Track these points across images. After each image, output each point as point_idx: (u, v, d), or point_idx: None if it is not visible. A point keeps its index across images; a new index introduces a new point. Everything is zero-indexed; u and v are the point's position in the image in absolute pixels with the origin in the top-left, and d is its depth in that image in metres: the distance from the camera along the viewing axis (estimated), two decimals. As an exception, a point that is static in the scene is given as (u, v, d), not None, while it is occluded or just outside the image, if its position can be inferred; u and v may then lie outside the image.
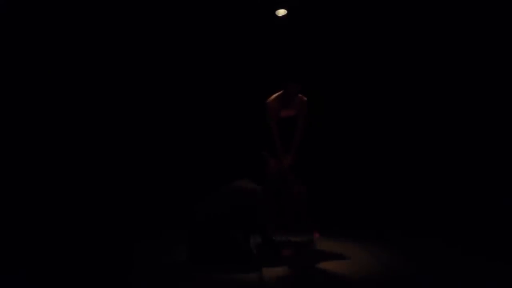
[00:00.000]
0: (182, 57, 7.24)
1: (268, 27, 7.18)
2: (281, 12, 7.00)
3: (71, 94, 6.95)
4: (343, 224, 6.65)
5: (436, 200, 6.89)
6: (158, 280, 4.34)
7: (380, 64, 7.19)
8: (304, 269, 4.70)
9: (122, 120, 7.11)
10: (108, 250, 5.38)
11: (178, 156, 7.22)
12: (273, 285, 4.25)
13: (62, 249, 5.31)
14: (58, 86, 6.91)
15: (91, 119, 7.01)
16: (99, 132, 7.01)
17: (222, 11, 7.16)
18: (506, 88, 6.75)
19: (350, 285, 4.31)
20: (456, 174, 6.92)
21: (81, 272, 4.55)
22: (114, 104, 7.08)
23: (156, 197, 7.01)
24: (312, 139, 6.37)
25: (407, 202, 6.95)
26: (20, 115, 6.73)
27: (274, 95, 5.80)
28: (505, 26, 6.70)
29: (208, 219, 4.81)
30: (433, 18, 6.98)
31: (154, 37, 7.14)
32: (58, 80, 6.91)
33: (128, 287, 4.25)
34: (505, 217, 6.27)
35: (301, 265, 4.84)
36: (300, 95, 5.81)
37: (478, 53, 6.87)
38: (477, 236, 5.89)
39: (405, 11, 7.03)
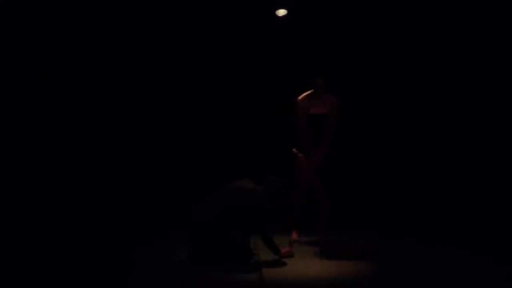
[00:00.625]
0: (182, 57, 7.24)
1: (268, 27, 7.18)
2: (281, 12, 7.00)
3: (72, 95, 6.95)
4: (343, 224, 6.65)
5: (435, 201, 6.88)
6: (158, 280, 4.34)
7: (381, 64, 7.18)
8: (304, 269, 4.70)
9: (123, 122, 7.11)
10: (108, 250, 5.38)
11: (179, 156, 7.22)
12: (273, 285, 4.25)
13: (63, 249, 5.30)
14: (58, 87, 6.91)
15: (92, 121, 7.01)
16: (100, 133, 7.01)
17: (222, 11, 7.16)
18: (504, 92, 6.76)
19: (350, 285, 4.31)
20: (453, 175, 6.91)
21: (81, 273, 4.55)
22: (115, 105, 7.08)
23: (156, 198, 7.01)
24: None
25: (407, 203, 6.95)
26: (20, 115, 6.73)
27: (305, 93, 5.84)
28: (505, 26, 6.70)
29: (208, 219, 4.81)
30: (431, 16, 6.98)
31: (154, 37, 7.14)
32: (58, 80, 6.91)
33: (128, 287, 4.25)
34: (504, 218, 6.28)
35: (301, 265, 4.83)
36: (330, 94, 5.83)
37: (476, 54, 6.86)
38: (476, 237, 5.89)
39: (405, 10, 7.02)
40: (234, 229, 4.85)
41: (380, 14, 7.10)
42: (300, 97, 5.83)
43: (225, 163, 7.11)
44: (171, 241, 5.67)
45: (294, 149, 5.88)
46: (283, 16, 7.02)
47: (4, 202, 6.34)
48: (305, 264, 4.86)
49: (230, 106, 7.33)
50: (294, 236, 5.89)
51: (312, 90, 5.80)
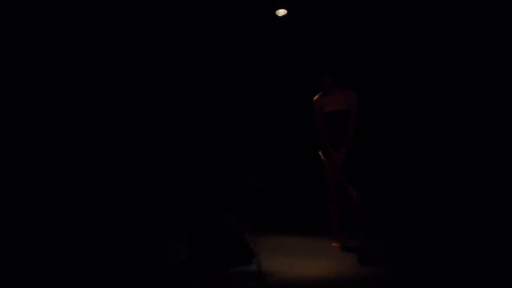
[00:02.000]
0: (182, 57, 7.24)
1: (268, 27, 7.18)
2: (281, 12, 7.00)
3: (73, 94, 6.95)
4: (343, 224, 6.64)
5: (435, 201, 6.87)
6: (158, 280, 4.34)
7: (381, 63, 7.17)
8: (304, 269, 4.70)
9: (126, 122, 7.11)
10: (109, 250, 5.38)
11: (179, 156, 7.23)
12: (273, 285, 4.25)
13: (63, 249, 5.31)
14: (58, 86, 6.90)
15: (95, 120, 7.00)
16: (102, 132, 7.01)
17: (222, 11, 7.16)
18: (504, 92, 6.74)
19: (350, 285, 4.31)
20: (453, 175, 6.90)
21: (82, 272, 4.55)
22: (117, 104, 7.08)
23: (156, 198, 7.01)
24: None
25: (407, 203, 6.94)
26: (22, 115, 6.73)
27: (320, 93, 5.72)
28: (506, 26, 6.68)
29: (208, 218, 4.84)
30: (432, 17, 6.97)
31: (155, 37, 7.14)
32: (58, 80, 6.91)
33: (129, 287, 4.25)
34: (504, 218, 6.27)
35: (301, 265, 4.84)
36: (346, 89, 5.64)
37: (475, 54, 6.84)
38: (475, 238, 5.88)
39: (405, 9, 7.01)
40: (235, 228, 4.86)
41: (380, 11, 7.08)
42: (315, 97, 5.72)
43: (226, 160, 7.12)
44: (171, 241, 5.67)
45: (319, 152, 5.70)
46: (283, 16, 7.02)
47: (7, 195, 6.33)
48: (305, 264, 4.86)
49: (230, 104, 7.33)
50: (335, 243, 5.63)
51: (322, 88, 5.66)
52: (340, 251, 5.41)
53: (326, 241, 5.73)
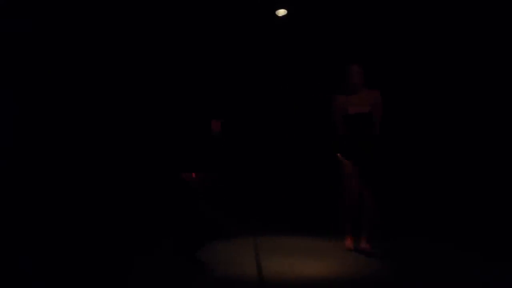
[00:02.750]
0: (182, 58, 7.25)
1: (268, 27, 7.19)
2: (281, 12, 7.00)
3: (71, 98, 6.95)
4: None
5: (438, 201, 6.88)
6: (158, 280, 4.34)
7: (381, 62, 7.17)
8: (304, 269, 4.70)
9: (127, 124, 7.12)
10: (109, 251, 5.38)
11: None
12: (273, 285, 4.25)
13: (63, 251, 5.30)
14: (58, 87, 6.90)
15: (93, 126, 7.00)
16: (103, 132, 7.02)
17: (222, 11, 7.17)
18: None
19: (350, 285, 4.31)
20: (458, 175, 6.90)
21: (81, 273, 4.55)
22: (116, 110, 7.08)
23: (156, 199, 7.01)
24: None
25: (407, 203, 6.94)
26: (21, 115, 6.73)
27: (341, 89, 5.26)
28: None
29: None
30: (433, 16, 6.98)
31: (153, 38, 7.15)
32: (58, 80, 6.90)
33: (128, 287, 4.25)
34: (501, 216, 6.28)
35: (301, 265, 4.83)
36: (368, 88, 5.23)
37: (474, 54, 6.84)
38: (479, 240, 5.89)
39: (407, 8, 7.02)
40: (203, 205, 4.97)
41: (380, 9, 7.09)
42: (338, 95, 5.23)
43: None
44: (171, 241, 5.67)
45: (338, 154, 5.36)
46: (283, 16, 7.02)
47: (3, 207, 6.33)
48: (305, 264, 4.86)
49: (230, 104, 7.33)
50: (348, 243, 5.40)
51: (347, 83, 5.20)
52: (340, 251, 5.40)
53: (326, 241, 5.72)
